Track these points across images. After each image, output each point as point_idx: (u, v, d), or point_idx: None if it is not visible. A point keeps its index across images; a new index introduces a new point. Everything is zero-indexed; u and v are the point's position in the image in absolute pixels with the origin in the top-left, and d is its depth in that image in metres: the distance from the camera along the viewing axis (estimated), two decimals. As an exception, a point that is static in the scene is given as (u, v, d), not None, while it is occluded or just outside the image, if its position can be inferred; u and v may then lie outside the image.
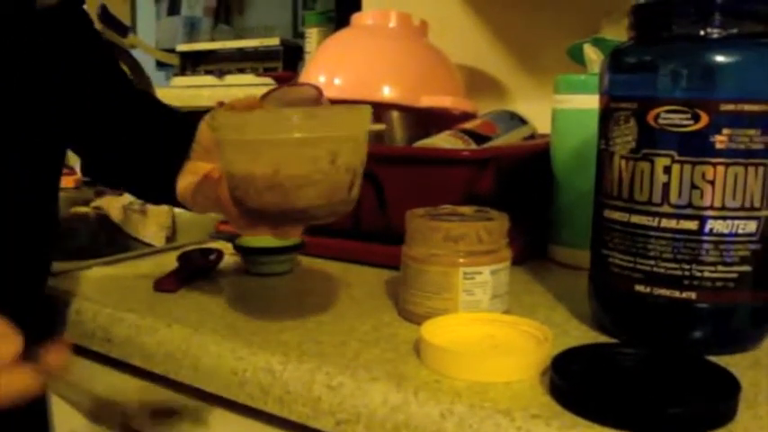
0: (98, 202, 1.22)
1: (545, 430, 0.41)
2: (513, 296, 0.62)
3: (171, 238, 1.19)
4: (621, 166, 0.53)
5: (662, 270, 0.51)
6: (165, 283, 0.70)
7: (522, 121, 0.88)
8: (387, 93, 0.88)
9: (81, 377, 0.67)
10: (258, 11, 2.05)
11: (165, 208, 1.16)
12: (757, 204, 0.49)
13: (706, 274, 0.50)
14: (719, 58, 0.48)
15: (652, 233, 0.51)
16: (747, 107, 0.48)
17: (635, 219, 0.52)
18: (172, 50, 1.79)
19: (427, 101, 0.89)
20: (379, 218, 0.76)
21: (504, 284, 0.59)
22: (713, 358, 0.48)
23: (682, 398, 0.43)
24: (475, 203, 0.64)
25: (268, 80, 1.42)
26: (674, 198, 0.50)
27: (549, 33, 1.06)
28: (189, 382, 0.57)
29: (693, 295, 0.50)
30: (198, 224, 1.09)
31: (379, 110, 0.89)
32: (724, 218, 0.49)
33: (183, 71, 1.77)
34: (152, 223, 1.19)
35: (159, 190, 0.64)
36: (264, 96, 0.79)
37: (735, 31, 0.49)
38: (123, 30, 1.32)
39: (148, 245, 1.14)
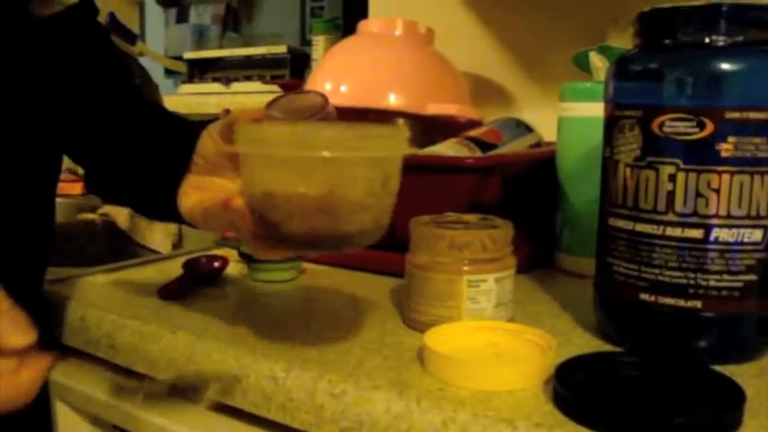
0: (105, 209, 1.22)
1: (548, 439, 0.41)
2: (518, 304, 0.62)
3: (177, 244, 1.19)
4: (626, 174, 0.52)
5: (667, 279, 0.51)
6: (170, 290, 0.70)
7: (528, 129, 0.88)
8: (393, 100, 0.88)
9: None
10: (266, 19, 2.06)
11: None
12: (763, 213, 0.49)
13: (711, 283, 0.50)
14: (725, 66, 0.48)
15: (657, 242, 0.51)
16: (753, 115, 0.48)
17: (640, 227, 0.52)
18: (180, 58, 1.80)
19: (433, 108, 0.89)
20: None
21: (508, 292, 0.59)
22: (718, 367, 0.48)
23: (686, 407, 0.43)
24: (480, 211, 0.63)
25: (275, 88, 1.42)
26: (679, 206, 0.50)
27: (555, 41, 1.06)
28: (192, 388, 0.57)
29: (699, 304, 0.50)
30: (204, 231, 1.09)
31: (385, 117, 0.89)
32: (729, 226, 0.49)
33: (190, 78, 1.77)
34: (159, 230, 1.19)
35: (158, 205, 0.61)
36: (270, 104, 0.79)
37: (740, 38, 0.49)
38: (131, 37, 1.34)
39: (155, 252, 1.14)
